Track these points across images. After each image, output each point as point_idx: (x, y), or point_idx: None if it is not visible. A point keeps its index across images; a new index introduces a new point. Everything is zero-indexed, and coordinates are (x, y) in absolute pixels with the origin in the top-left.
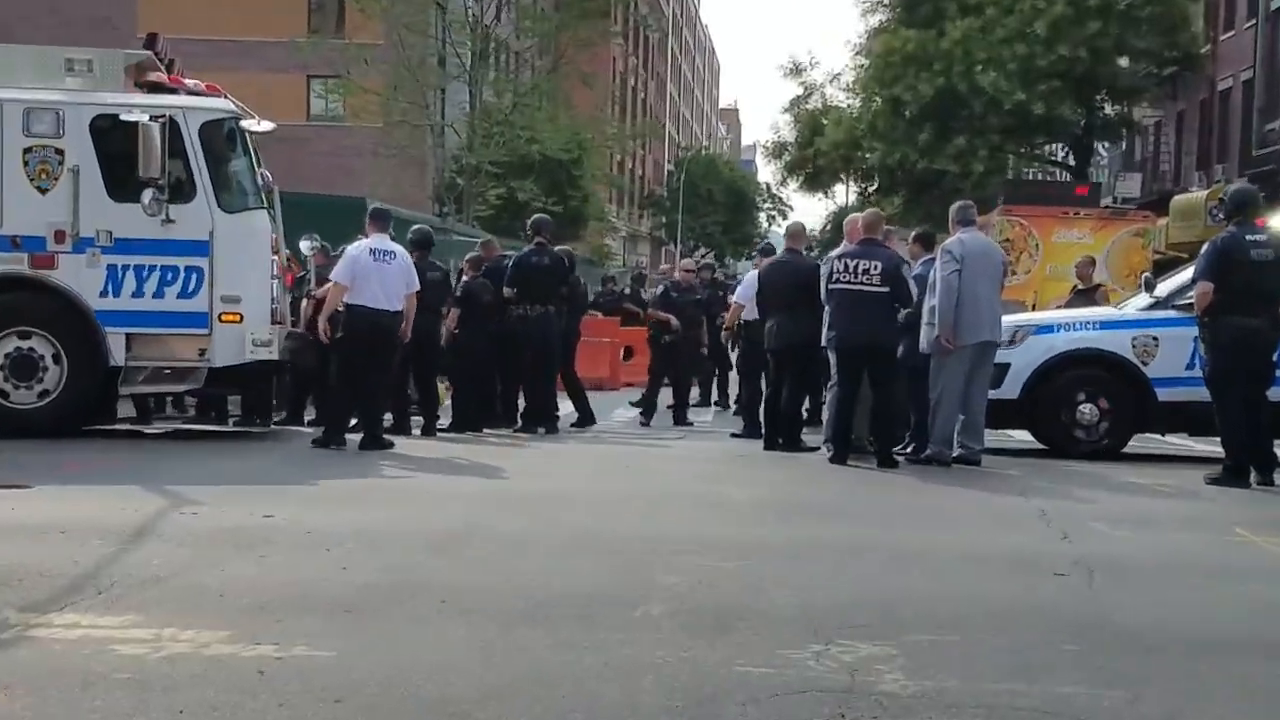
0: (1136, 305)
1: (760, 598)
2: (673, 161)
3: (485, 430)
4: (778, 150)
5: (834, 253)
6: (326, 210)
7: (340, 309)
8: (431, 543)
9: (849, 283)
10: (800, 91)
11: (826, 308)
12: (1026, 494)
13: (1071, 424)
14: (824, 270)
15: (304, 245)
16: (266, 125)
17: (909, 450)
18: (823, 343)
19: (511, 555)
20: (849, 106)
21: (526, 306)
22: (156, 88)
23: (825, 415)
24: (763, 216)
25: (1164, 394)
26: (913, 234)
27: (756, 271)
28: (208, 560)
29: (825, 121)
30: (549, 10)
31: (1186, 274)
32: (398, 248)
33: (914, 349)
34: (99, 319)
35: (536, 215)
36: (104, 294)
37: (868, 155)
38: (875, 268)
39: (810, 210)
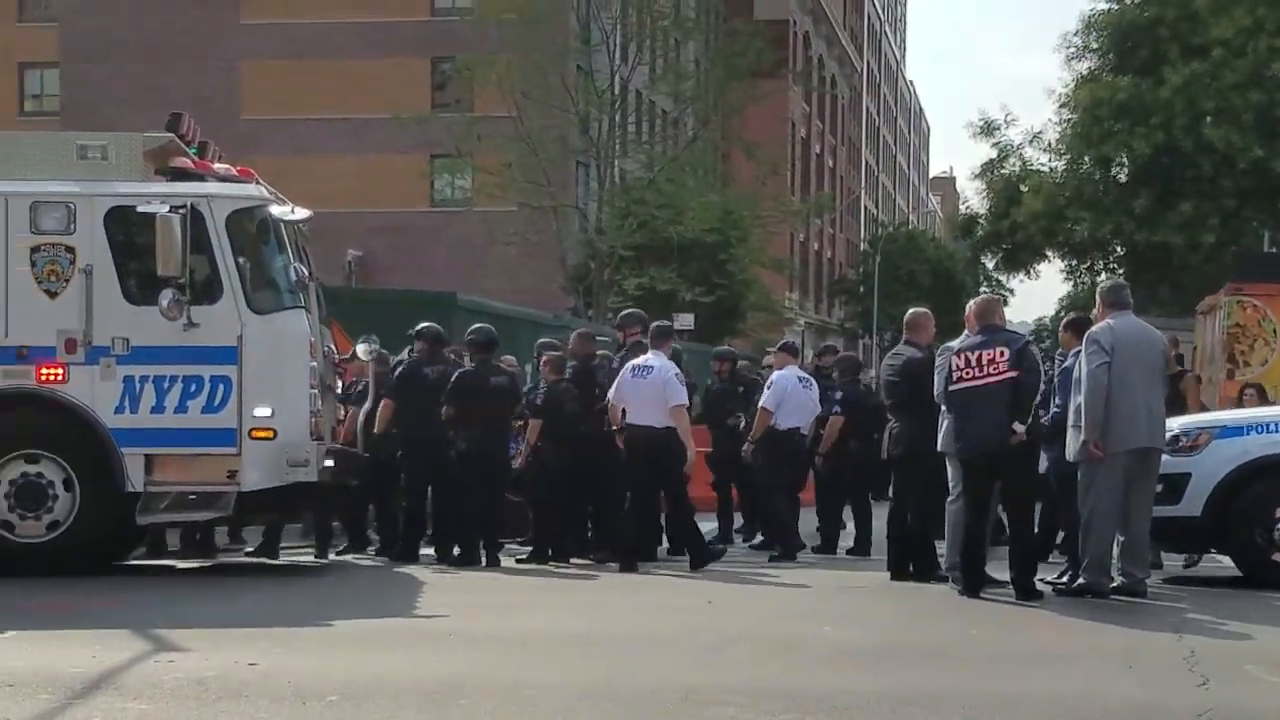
0: None
1: None
2: (869, 241)
3: (574, 560)
4: (967, 225)
5: (954, 344)
6: (410, 306)
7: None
8: (423, 696)
9: (973, 379)
10: (994, 154)
11: (944, 410)
12: (1182, 630)
13: (1270, 546)
14: (940, 366)
15: (361, 349)
16: (303, 213)
17: (1063, 579)
18: (939, 447)
19: (507, 711)
20: (1051, 170)
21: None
22: (180, 174)
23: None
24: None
25: None
26: (1064, 320)
27: (780, 373)
28: (158, 716)
29: (1023, 189)
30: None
31: None
32: (657, 361)
33: (1062, 457)
34: (115, 438)
35: (628, 312)
36: (120, 409)
37: (1074, 227)
38: (1001, 354)
39: (1034, 294)
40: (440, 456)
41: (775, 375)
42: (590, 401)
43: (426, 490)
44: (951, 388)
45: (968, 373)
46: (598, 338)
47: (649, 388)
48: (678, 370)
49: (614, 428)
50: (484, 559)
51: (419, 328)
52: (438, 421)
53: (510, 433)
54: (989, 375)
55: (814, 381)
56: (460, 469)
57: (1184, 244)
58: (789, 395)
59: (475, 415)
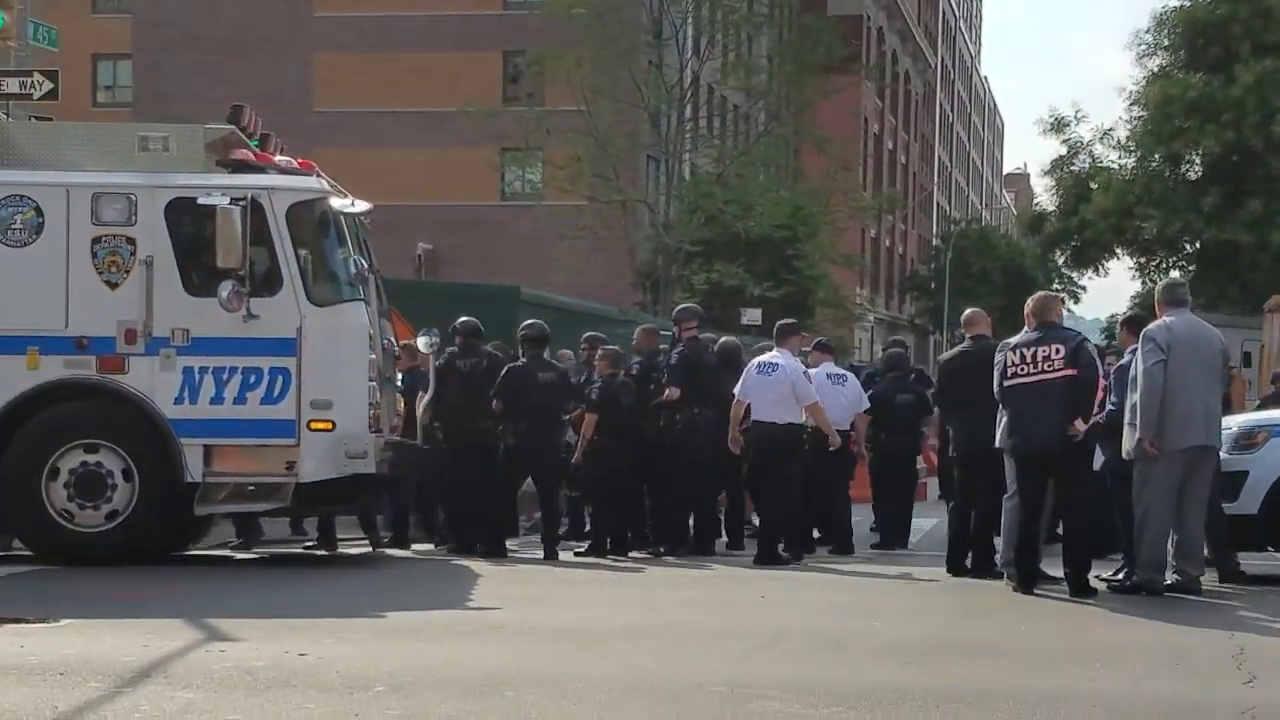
0: None
1: None
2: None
3: (632, 554)
4: (1036, 222)
5: (1010, 341)
6: (474, 300)
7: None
8: (470, 688)
9: (1028, 375)
10: (1063, 151)
11: (1002, 408)
12: (1234, 629)
13: None
14: (997, 362)
15: (422, 342)
16: (363, 205)
17: (1118, 577)
18: (998, 444)
19: (555, 702)
20: (1120, 167)
21: (697, 408)
22: (241, 166)
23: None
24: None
25: None
26: (1122, 318)
27: (812, 371)
28: (204, 705)
29: (1093, 185)
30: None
31: None
32: (784, 360)
33: (1117, 455)
34: (174, 428)
35: (684, 306)
36: (179, 400)
37: (1143, 224)
38: (1057, 352)
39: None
40: (480, 448)
41: (810, 372)
42: (648, 397)
43: (468, 481)
44: (1006, 384)
45: (1022, 369)
46: (661, 332)
47: (776, 385)
48: (804, 368)
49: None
50: (542, 553)
51: (457, 322)
52: (476, 413)
53: (562, 427)
54: (1044, 372)
55: (849, 377)
56: (509, 463)
57: (1253, 242)
58: (819, 393)
59: (524, 410)
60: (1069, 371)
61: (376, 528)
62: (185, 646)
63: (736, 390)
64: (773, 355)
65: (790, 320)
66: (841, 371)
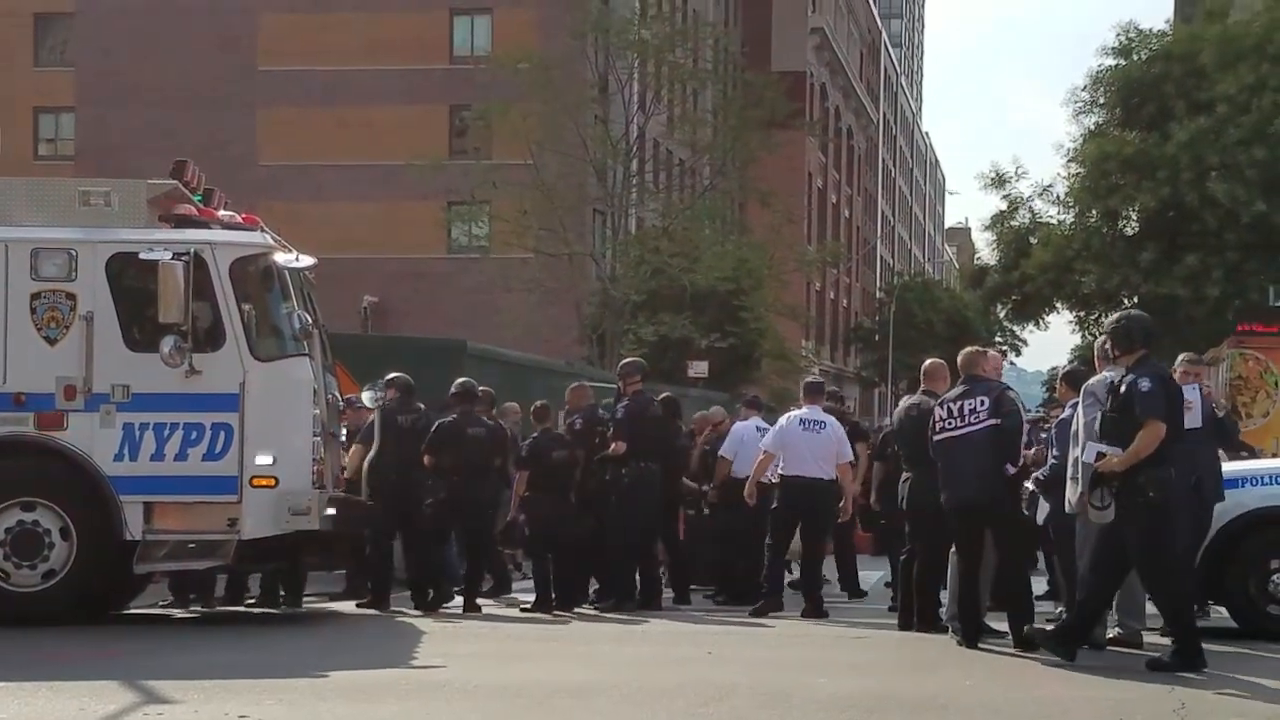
0: None
1: None
2: (884, 290)
3: (576, 609)
4: (978, 275)
5: (946, 396)
6: (420, 353)
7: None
8: None
9: (954, 429)
10: (1004, 206)
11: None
12: (1174, 684)
13: (1263, 598)
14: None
15: (366, 396)
16: (307, 260)
17: None
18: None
19: None
20: (1059, 222)
21: (642, 462)
22: (184, 221)
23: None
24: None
25: None
26: (1061, 372)
27: (740, 423)
28: None
29: (1033, 240)
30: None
31: None
32: (828, 418)
33: (1060, 509)
34: (114, 486)
35: (628, 360)
36: (119, 457)
37: (1082, 279)
38: (981, 404)
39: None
40: (412, 502)
41: (735, 425)
42: (591, 452)
43: (394, 534)
44: (936, 438)
45: (949, 423)
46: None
47: (823, 441)
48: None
49: (770, 479)
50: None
51: (390, 376)
52: (412, 468)
53: (493, 482)
54: (970, 425)
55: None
56: (438, 516)
57: (1189, 296)
58: (744, 444)
59: (454, 464)
60: (992, 422)
61: (300, 588)
62: (122, 709)
63: (766, 443)
64: (814, 411)
65: (818, 379)
66: (768, 426)
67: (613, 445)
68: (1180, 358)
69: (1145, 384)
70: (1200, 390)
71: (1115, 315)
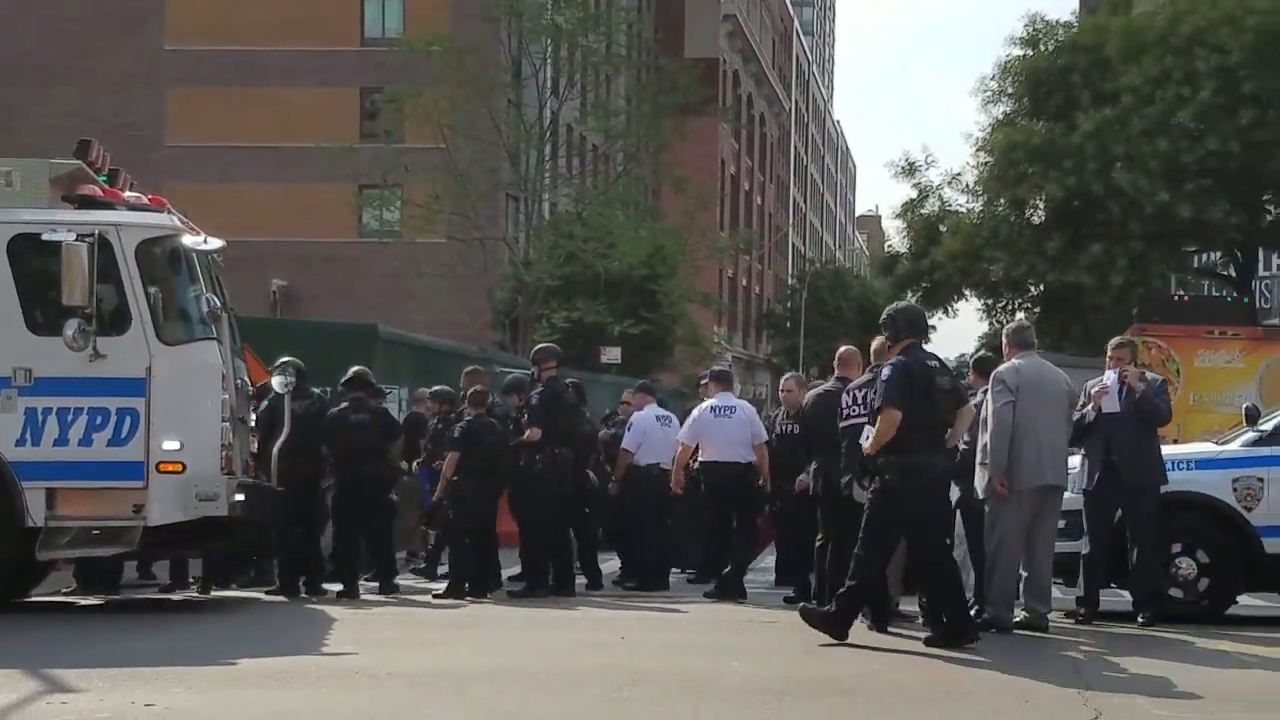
0: (1241, 441)
1: None
2: (796, 276)
3: (490, 594)
4: (889, 263)
5: (854, 384)
6: (331, 338)
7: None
8: None
9: (858, 416)
10: (914, 194)
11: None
12: (1080, 667)
13: (1165, 581)
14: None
15: (276, 381)
16: (215, 242)
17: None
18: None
19: None
20: (969, 211)
21: (554, 450)
22: (88, 202)
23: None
24: None
25: (1273, 544)
26: (971, 360)
27: (639, 413)
28: None
29: (942, 228)
30: (639, 104)
31: None
32: (739, 403)
33: (970, 493)
34: (15, 471)
35: (542, 346)
36: (21, 442)
37: (990, 267)
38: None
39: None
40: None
41: (635, 416)
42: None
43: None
44: (842, 424)
45: (853, 410)
46: (516, 372)
47: (736, 426)
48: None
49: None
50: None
51: (281, 361)
52: (303, 453)
53: (386, 467)
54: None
55: (674, 419)
56: (336, 504)
57: (1094, 284)
58: (647, 435)
59: (341, 452)
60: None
61: (210, 572)
62: (24, 698)
63: (683, 435)
64: (726, 398)
65: (724, 368)
66: (667, 414)
67: (527, 431)
68: (1111, 343)
69: (886, 372)
70: (1120, 375)
71: (889, 307)
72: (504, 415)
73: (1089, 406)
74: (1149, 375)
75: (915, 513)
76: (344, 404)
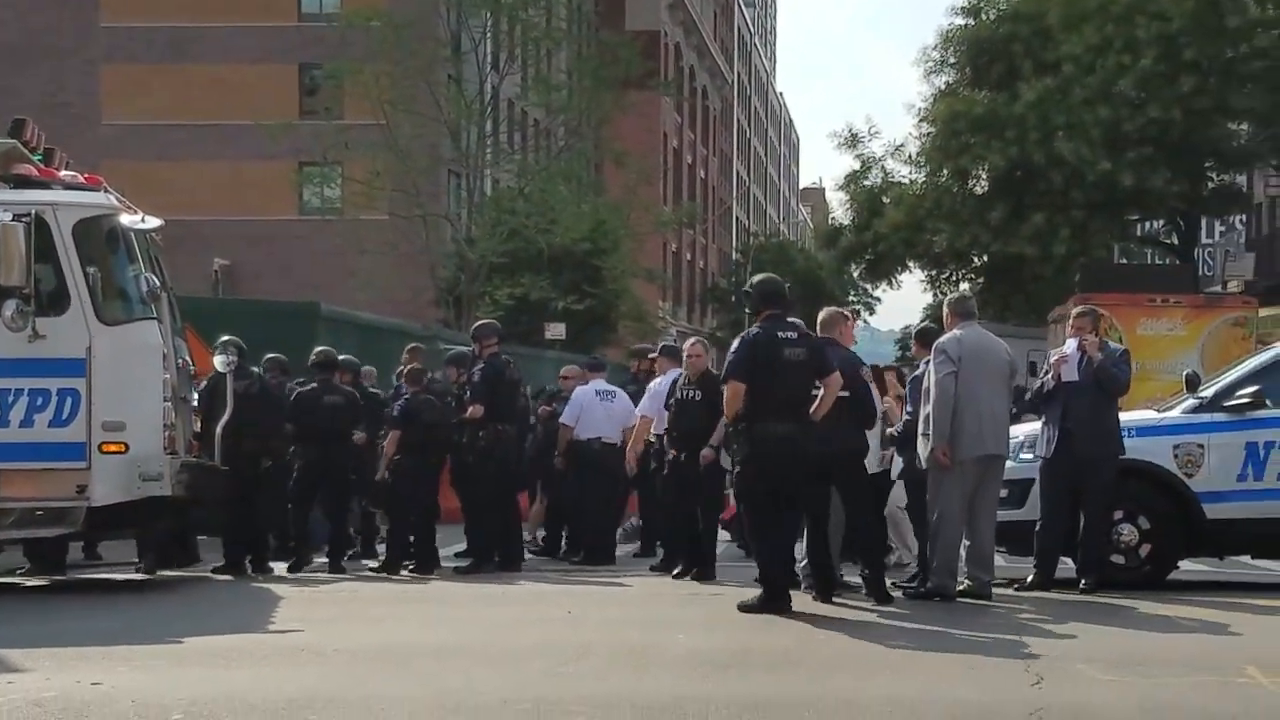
0: (1181, 408)
1: None
2: (740, 250)
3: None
4: (832, 235)
5: None
6: (273, 317)
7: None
8: (271, 713)
9: None
10: (857, 166)
11: None
12: (1022, 633)
13: (1107, 548)
14: None
15: (219, 360)
16: (154, 221)
17: (912, 583)
18: None
19: None
20: (912, 182)
21: (497, 426)
22: (24, 182)
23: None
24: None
25: (1213, 510)
26: (914, 331)
27: (580, 388)
28: None
29: (885, 200)
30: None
31: (1237, 371)
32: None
33: (913, 463)
34: None
35: (483, 322)
36: None
37: (934, 238)
38: None
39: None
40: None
41: (576, 390)
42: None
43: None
44: None
45: None
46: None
47: (619, 408)
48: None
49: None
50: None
51: (222, 340)
52: (245, 433)
53: (352, 447)
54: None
55: (618, 393)
56: (300, 483)
57: (1037, 254)
58: (585, 409)
59: (311, 432)
60: (840, 393)
61: (150, 552)
62: None
63: (644, 408)
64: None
65: (672, 344)
66: (610, 388)
67: (470, 408)
68: (1073, 311)
69: (732, 346)
70: (1080, 343)
71: (750, 280)
72: (444, 391)
73: (1049, 375)
74: (1110, 345)
75: (768, 478)
76: (313, 384)
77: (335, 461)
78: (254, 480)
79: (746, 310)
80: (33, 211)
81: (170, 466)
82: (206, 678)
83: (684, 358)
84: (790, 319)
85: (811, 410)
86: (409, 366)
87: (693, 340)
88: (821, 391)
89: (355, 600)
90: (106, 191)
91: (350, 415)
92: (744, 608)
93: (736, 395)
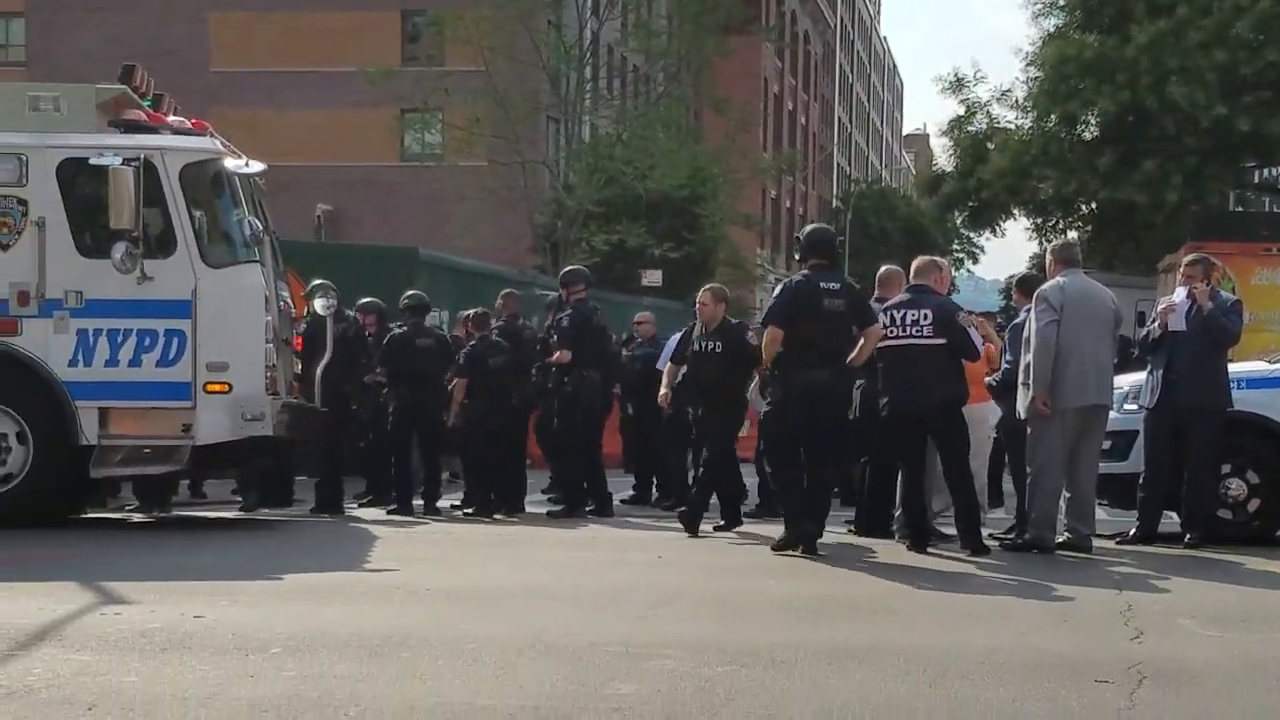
0: None
1: (720, 711)
2: (840, 197)
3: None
4: (934, 182)
5: (890, 303)
6: (373, 261)
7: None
8: (366, 649)
9: (896, 337)
10: (961, 111)
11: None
12: (1123, 587)
13: (1213, 502)
14: None
15: (319, 304)
16: (257, 166)
17: (1010, 535)
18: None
19: (451, 662)
20: (1017, 127)
21: (582, 372)
22: (133, 126)
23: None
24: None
25: None
26: (1015, 279)
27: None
28: (99, 668)
29: (990, 146)
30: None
31: None
32: None
33: (1012, 414)
34: (69, 391)
35: (570, 269)
36: (73, 363)
37: (1040, 185)
38: (925, 317)
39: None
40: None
41: (672, 338)
42: (522, 359)
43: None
44: (878, 345)
45: (891, 331)
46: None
47: None
48: None
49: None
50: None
51: (315, 283)
52: (341, 376)
53: (444, 390)
54: (911, 337)
55: None
56: (396, 426)
57: (1147, 202)
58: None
59: (405, 375)
60: (937, 340)
61: (252, 491)
62: (80, 609)
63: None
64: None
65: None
66: None
67: (557, 353)
68: (1184, 259)
69: (775, 292)
70: (1189, 292)
71: (800, 230)
72: (531, 337)
73: (1155, 324)
74: (1221, 294)
75: (795, 422)
76: (405, 328)
77: (427, 405)
78: (343, 422)
79: (795, 256)
80: (141, 156)
81: (272, 407)
82: (304, 613)
83: (696, 308)
84: (835, 270)
85: (850, 358)
86: (475, 311)
87: (704, 289)
88: (861, 340)
89: (448, 541)
90: (212, 136)
91: (442, 359)
92: (776, 548)
93: (775, 340)
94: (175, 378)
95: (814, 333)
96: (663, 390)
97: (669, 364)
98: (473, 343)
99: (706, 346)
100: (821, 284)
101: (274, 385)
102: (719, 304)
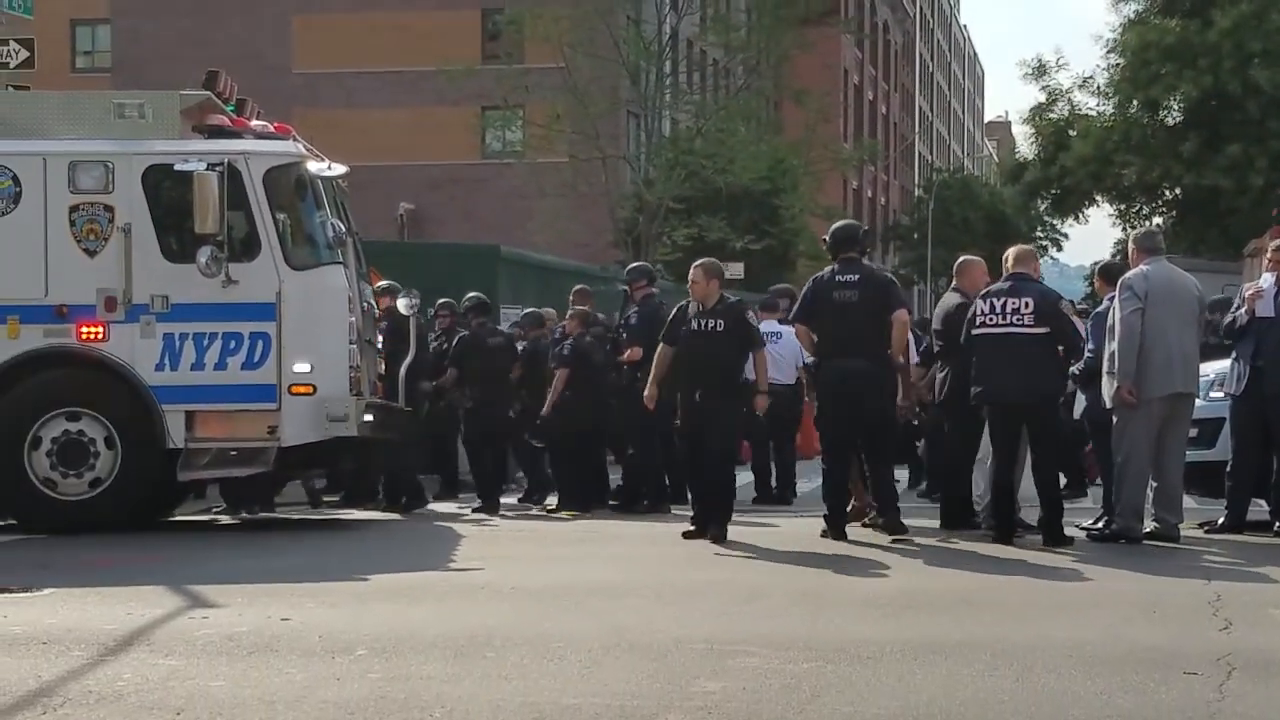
0: None
1: (805, 708)
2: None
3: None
4: (1017, 170)
5: (991, 291)
6: (455, 259)
7: None
8: (452, 649)
9: (994, 325)
10: (1043, 98)
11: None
12: (1211, 577)
13: None
14: (968, 313)
15: (402, 303)
16: (339, 168)
17: (1097, 525)
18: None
19: (536, 661)
20: (1099, 114)
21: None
22: (217, 131)
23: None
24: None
25: None
26: (1098, 266)
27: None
28: (187, 672)
29: (1072, 133)
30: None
31: None
32: (784, 329)
33: (1097, 403)
34: (155, 395)
35: (634, 265)
36: (160, 367)
37: (1123, 171)
38: (1027, 305)
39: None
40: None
41: None
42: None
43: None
44: (974, 332)
45: (990, 319)
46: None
47: (781, 350)
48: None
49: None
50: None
51: (383, 284)
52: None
53: (512, 388)
54: (1011, 325)
55: (784, 334)
56: (469, 425)
57: (1232, 186)
58: None
59: (475, 374)
60: (1040, 330)
61: (317, 491)
62: (168, 614)
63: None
64: (768, 324)
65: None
66: (778, 329)
67: (627, 351)
68: (1271, 244)
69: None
70: (1278, 278)
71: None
72: (600, 335)
73: (1242, 310)
74: None
75: (831, 414)
76: (474, 327)
77: (500, 403)
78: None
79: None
80: (225, 161)
81: (356, 408)
82: (389, 614)
83: (689, 285)
84: (859, 263)
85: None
86: (577, 308)
87: (694, 265)
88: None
89: (533, 539)
90: (295, 140)
91: (511, 356)
92: (825, 534)
93: (802, 336)
94: (260, 380)
95: (828, 325)
96: (648, 391)
97: (660, 346)
98: (574, 338)
99: (705, 325)
100: (838, 277)
101: (358, 385)
102: (711, 280)
